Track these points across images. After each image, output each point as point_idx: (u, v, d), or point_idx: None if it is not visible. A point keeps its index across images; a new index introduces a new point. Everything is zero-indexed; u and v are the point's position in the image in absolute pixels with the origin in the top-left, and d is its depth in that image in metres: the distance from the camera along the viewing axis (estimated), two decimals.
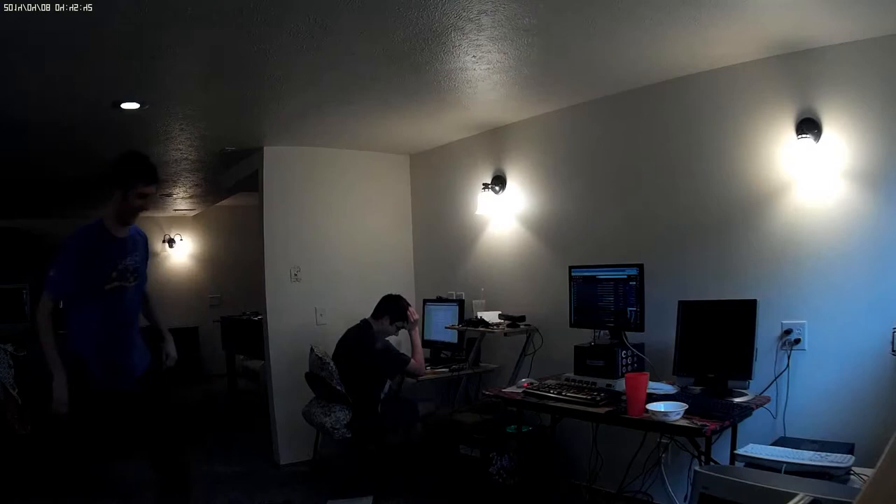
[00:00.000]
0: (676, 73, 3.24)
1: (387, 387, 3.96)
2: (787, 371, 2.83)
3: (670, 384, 2.98)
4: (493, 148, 4.40)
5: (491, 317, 4.01)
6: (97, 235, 2.73)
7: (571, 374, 3.14)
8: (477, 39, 2.72)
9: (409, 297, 5.10)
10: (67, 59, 2.75)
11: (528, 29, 2.63)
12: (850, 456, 2.24)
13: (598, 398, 2.83)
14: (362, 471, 3.96)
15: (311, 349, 3.95)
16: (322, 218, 4.77)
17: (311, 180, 4.75)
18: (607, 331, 3.24)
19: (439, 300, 4.67)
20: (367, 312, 4.09)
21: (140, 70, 2.94)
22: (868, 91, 2.66)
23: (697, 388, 2.88)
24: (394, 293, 4.14)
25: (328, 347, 3.97)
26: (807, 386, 2.81)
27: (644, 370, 3.00)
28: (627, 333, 3.13)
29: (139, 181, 2.70)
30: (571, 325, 3.43)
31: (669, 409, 2.49)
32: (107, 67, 2.88)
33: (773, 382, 2.85)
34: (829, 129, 2.75)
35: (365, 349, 3.84)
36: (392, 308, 4.04)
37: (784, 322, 2.87)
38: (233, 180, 5.55)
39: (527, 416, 3.51)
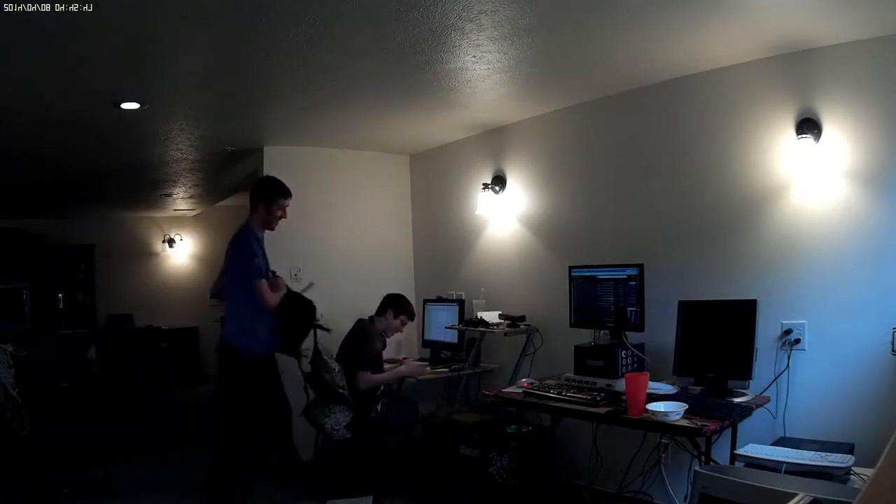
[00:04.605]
0: (676, 73, 3.24)
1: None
2: (786, 371, 2.83)
3: (670, 384, 2.97)
4: (493, 148, 4.40)
5: (491, 317, 4.01)
6: (254, 236, 3.48)
7: (571, 374, 3.14)
8: (477, 39, 2.72)
9: (409, 297, 5.08)
10: (68, 58, 2.75)
11: (528, 29, 2.63)
12: (850, 456, 2.24)
13: (598, 398, 2.83)
14: (362, 471, 3.96)
15: (317, 348, 3.91)
16: (322, 218, 4.76)
17: (311, 180, 4.73)
18: (607, 331, 3.24)
19: (439, 300, 4.67)
20: (367, 312, 4.11)
21: (140, 70, 2.94)
22: (868, 91, 2.66)
23: (697, 388, 2.88)
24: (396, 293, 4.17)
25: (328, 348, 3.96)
26: (807, 386, 2.81)
27: (644, 370, 3.00)
28: (627, 333, 3.13)
29: (281, 197, 3.53)
30: (571, 325, 3.43)
31: (669, 409, 2.49)
32: (107, 67, 2.88)
33: (773, 382, 2.85)
34: (829, 129, 2.75)
35: (356, 346, 3.88)
36: (395, 302, 4.09)
37: (784, 322, 2.87)
38: (233, 180, 5.55)
39: (527, 416, 3.51)
